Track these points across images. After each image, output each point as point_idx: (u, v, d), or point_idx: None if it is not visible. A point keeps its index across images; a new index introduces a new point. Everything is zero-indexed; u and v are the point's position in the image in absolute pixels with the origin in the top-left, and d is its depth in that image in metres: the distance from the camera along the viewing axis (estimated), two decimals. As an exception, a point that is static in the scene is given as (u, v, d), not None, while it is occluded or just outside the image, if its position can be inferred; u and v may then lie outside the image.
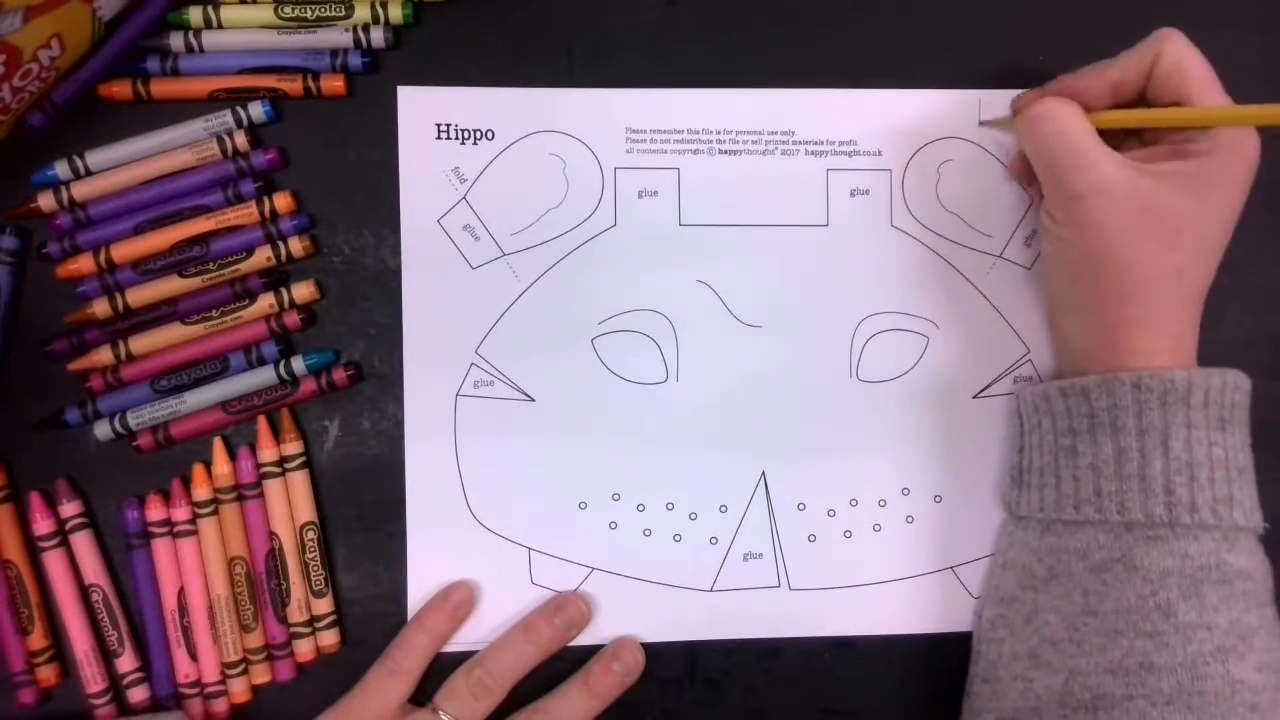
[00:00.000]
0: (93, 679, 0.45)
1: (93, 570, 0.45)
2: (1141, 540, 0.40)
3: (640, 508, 0.47)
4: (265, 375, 0.46)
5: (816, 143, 0.48)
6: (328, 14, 0.45)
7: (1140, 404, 0.40)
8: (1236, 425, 0.41)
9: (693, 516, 0.48)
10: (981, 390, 0.48)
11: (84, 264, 0.45)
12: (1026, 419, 0.45)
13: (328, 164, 0.47)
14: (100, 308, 0.45)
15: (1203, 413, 0.40)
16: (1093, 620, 0.41)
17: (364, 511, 0.47)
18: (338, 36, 0.46)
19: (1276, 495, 0.50)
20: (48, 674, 0.45)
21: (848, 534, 0.48)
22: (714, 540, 0.48)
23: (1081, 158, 0.40)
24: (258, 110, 0.46)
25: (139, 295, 0.45)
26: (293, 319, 0.46)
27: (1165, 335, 0.41)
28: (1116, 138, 0.41)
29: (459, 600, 0.46)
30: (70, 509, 0.45)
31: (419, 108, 0.47)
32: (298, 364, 0.46)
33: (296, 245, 0.46)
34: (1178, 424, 0.40)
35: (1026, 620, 0.43)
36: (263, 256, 0.45)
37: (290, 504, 0.46)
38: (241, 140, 0.45)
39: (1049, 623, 0.42)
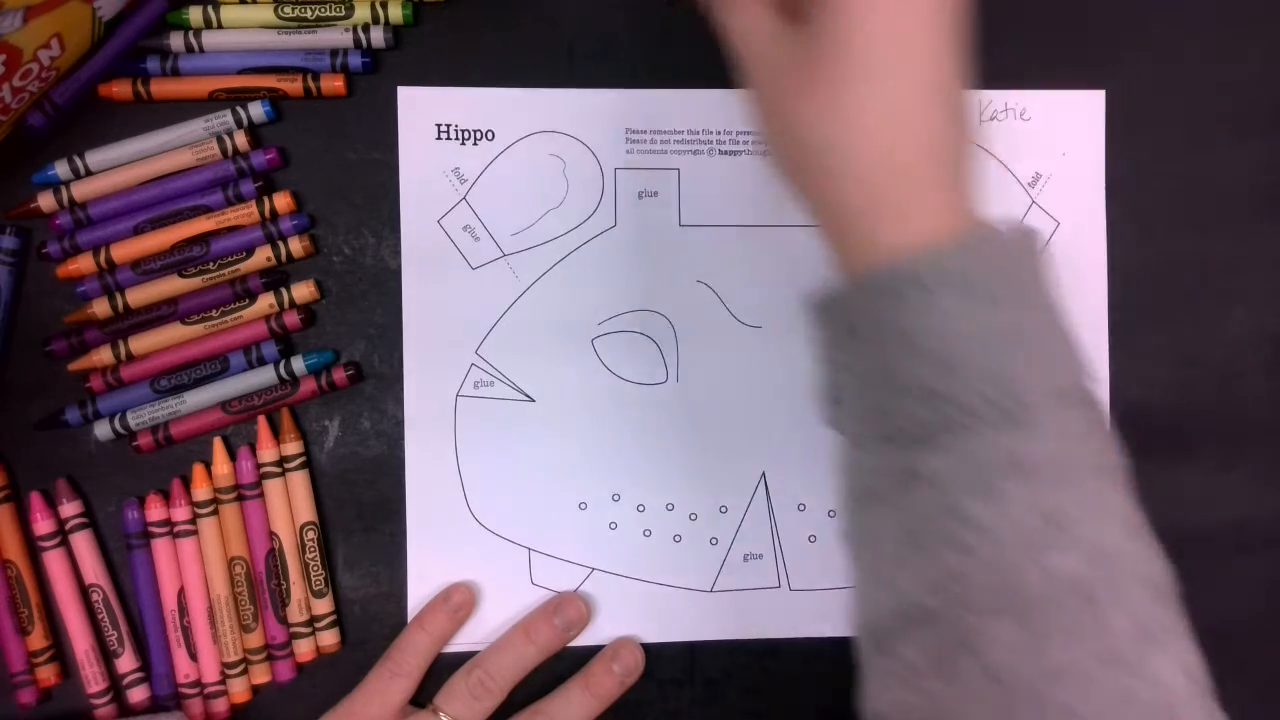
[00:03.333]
0: (93, 679, 0.45)
1: (93, 570, 0.45)
2: (924, 449, 0.34)
3: (640, 508, 0.47)
4: (265, 375, 0.46)
5: (817, 143, 0.48)
6: (328, 14, 0.45)
7: (883, 309, 0.34)
8: (1010, 292, 0.34)
9: (693, 517, 0.48)
10: (981, 390, 0.48)
11: (84, 264, 0.45)
12: (813, 332, 0.40)
13: (328, 164, 0.47)
14: (100, 308, 0.45)
15: (949, 298, 0.33)
16: (906, 537, 0.35)
17: (364, 511, 0.47)
18: (338, 36, 0.46)
19: (1278, 496, 0.50)
20: (48, 674, 0.45)
21: (848, 534, 0.48)
22: (714, 541, 0.48)
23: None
24: (258, 110, 0.45)
25: (139, 295, 0.45)
26: (293, 319, 0.46)
27: (895, 213, 0.34)
28: None
29: (459, 602, 0.46)
30: (70, 509, 0.45)
31: (419, 108, 0.47)
32: (298, 364, 0.46)
33: (296, 245, 0.46)
34: (927, 319, 0.33)
35: (862, 542, 0.38)
36: (263, 256, 0.45)
37: (290, 504, 0.46)
38: (241, 140, 0.45)
39: (879, 540, 0.37)
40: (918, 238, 0.34)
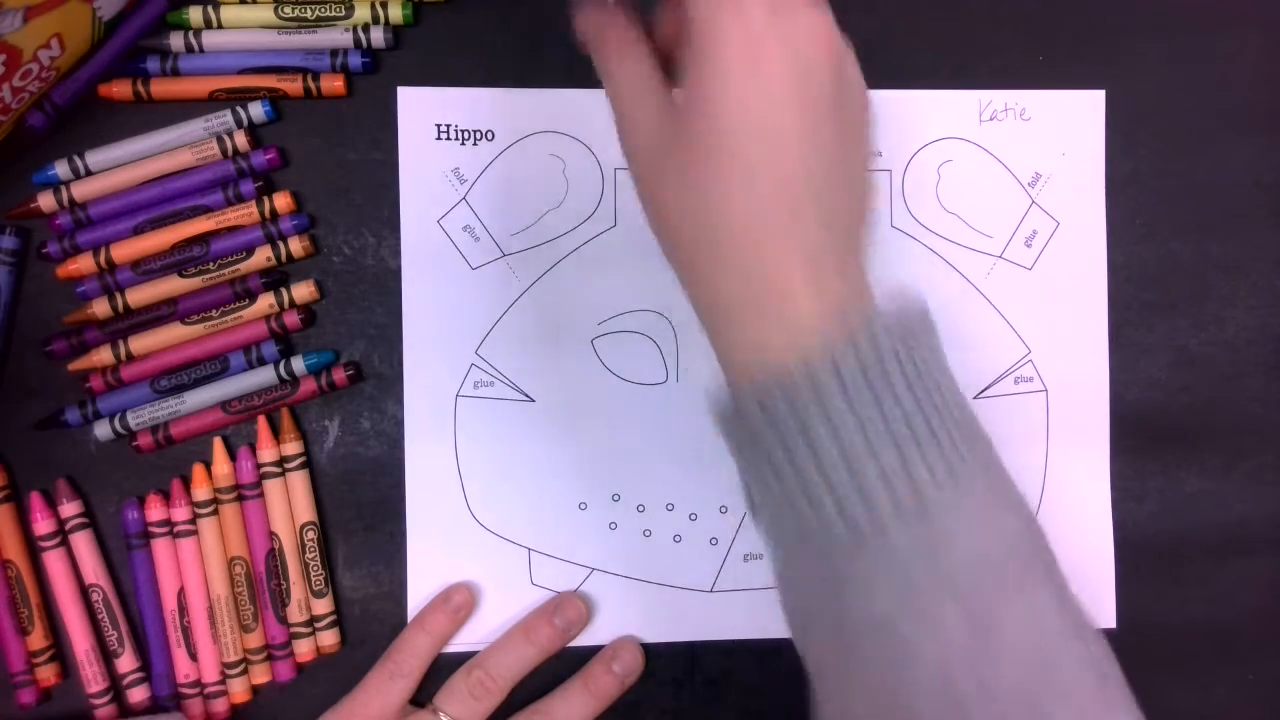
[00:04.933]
0: (93, 679, 0.45)
1: (93, 570, 0.45)
2: (843, 554, 0.33)
3: (640, 508, 0.47)
4: (265, 375, 0.46)
5: (817, 143, 0.48)
6: (328, 14, 0.45)
7: (779, 416, 0.32)
8: (900, 383, 0.32)
9: (693, 517, 0.48)
10: (982, 391, 0.48)
11: (84, 264, 0.45)
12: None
13: (328, 164, 0.47)
14: (100, 308, 0.45)
15: (842, 399, 0.32)
16: (839, 643, 0.34)
17: (364, 511, 0.47)
18: (338, 36, 0.46)
19: (1278, 496, 0.50)
20: (48, 674, 0.45)
21: (848, 534, 0.48)
22: (714, 541, 0.48)
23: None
24: (258, 110, 0.45)
25: (139, 295, 0.45)
26: (293, 319, 0.46)
27: (774, 310, 0.33)
28: None
29: (459, 602, 0.46)
30: (70, 509, 0.45)
31: (419, 108, 0.47)
32: (298, 364, 0.46)
33: (296, 245, 0.46)
34: (815, 423, 0.32)
35: (800, 637, 0.37)
36: (263, 256, 0.45)
37: (290, 504, 0.46)
38: (241, 140, 0.45)
39: (820, 647, 0.35)
40: (799, 336, 0.32)
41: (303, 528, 0.46)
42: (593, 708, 0.46)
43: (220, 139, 0.45)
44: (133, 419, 0.45)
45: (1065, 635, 0.32)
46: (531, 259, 0.47)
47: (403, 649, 0.45)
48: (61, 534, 0.45)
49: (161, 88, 0.45)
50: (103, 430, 0.45)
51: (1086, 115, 0.49)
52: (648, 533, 0.48)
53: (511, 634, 0.46)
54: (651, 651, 0.47)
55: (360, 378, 0.47)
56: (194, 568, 0.45)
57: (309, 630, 0.46)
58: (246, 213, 0.45)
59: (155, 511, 0.45)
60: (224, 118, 0.45)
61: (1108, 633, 0.49)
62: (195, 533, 0.45)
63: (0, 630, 0.45)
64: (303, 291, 0.46)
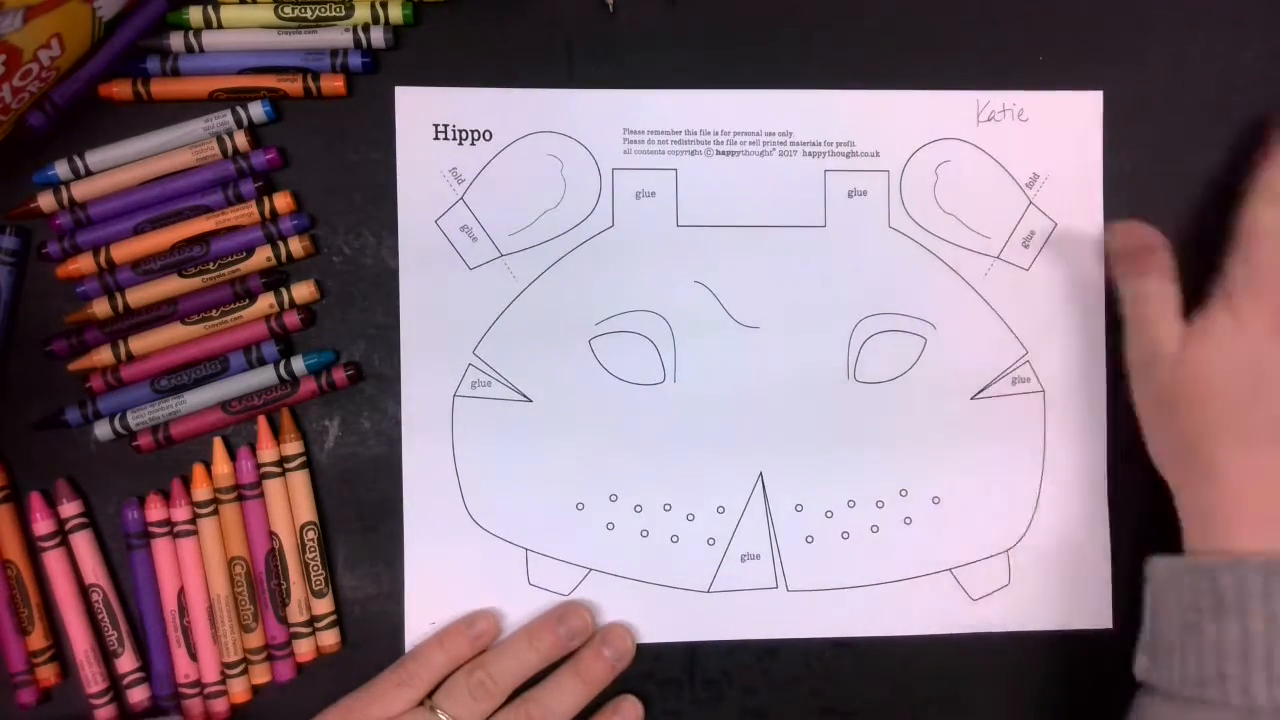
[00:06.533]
0: (93, 679, 0.45)
1: (93, 570, 0.45)
2: None
3: (638, 508, 0.48)
4: (265, 375, 0.46)
5: (814, 144, 0.48)
6: (328, 14, 0.46)
7: (1269, 590, 0.39)
8: None
9: (690, 518, 0.48)
10: (979, 391, 0.49)
11: (84, 264, 0.45)
12: (1157, 591, 0.43)
13: (328, 164, 0.47)
14: (100, 308, 0.45)
15: None
16: None
17: (364, 511, 0.47)
18: (338, 36, 0.46)
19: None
20: (48, 674, 0.45)
21: (845, 535, 0.48)
22: (711, 541, 0.48)
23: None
24: (258, 110, 0.46)
25: (139, 295, 0.45)
26: (293, 319, 0.46)
27: (1254, 524, 0.41)
28: None
29: (482, 629, 0.46)
30: (70, 509, 0.45)
31: (416, 108, 0.47)
32: (298, 364, 0.46)
33: (296, 245, 0.46)
34: None
35: None
36: (263, 256, 0.46)
37: (290, 504, 0.46)
38: (241, 140, 0.45)
39: None
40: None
41: (303, 528, 0.46)
42: (584, 693, 0.46)
43: (220, 139, 0.45)
44: (133, 419, 0.45)
45: None
46: (529, 259, 0.47)
47: (417, 659, 0.45)
48: (61, 534, 0.45)
49: (161, 88, 0.45)
50: (103, 430, 0.45)
51: (1084, 116, 0.49)
52: (645, 533, 0.48)
53: (515, 637, 0.46)
54: (651, 652, 0.47)
55: (360, 378, 0.47)
56: (194, 568, 0.45)
57: (309, 630, 0.46)
58: (246, 213, 0.45)
59: (155, 511, 0.45)
60: (224, 118, 0.45)
61: (1105, 633, 0.49)
62: (195, 533, 0.45)
63: (0, 630, 0.45)
64: (303, 291, 0.46)
